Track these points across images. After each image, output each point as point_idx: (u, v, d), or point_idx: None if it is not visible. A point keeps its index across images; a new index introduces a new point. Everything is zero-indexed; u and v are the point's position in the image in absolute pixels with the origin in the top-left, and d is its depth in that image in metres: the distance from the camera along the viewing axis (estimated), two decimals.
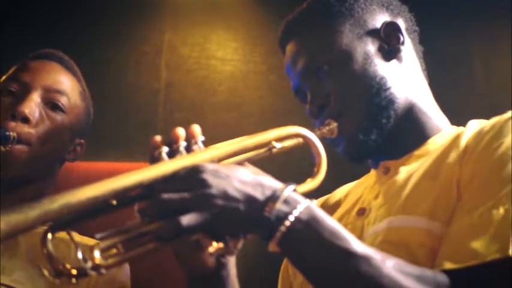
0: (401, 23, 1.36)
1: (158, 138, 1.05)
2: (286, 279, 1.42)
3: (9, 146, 1.40)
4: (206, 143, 1.06)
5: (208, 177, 0.94)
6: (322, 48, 1.31)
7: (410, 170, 1.22)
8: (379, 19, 1.34)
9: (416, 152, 1.27)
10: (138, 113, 3.25)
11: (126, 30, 3.34)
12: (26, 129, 1.45)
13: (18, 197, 1.47)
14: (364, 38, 1.31)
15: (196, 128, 1.08)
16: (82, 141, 1.66)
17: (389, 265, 0.90)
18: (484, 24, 3.00)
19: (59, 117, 1.53)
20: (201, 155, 1.03)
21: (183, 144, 1.06)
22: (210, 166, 0.97)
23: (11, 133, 1.40)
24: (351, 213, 1.28)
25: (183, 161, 1.00)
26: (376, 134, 1.26)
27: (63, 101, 1.54)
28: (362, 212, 1.24)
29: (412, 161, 1.26)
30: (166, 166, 0.99)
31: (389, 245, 1.02)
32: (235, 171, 0.97)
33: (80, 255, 0.91)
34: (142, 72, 3.30)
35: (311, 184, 1.13)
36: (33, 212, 0.88)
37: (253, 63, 3.31)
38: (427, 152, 1.25)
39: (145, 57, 3.34)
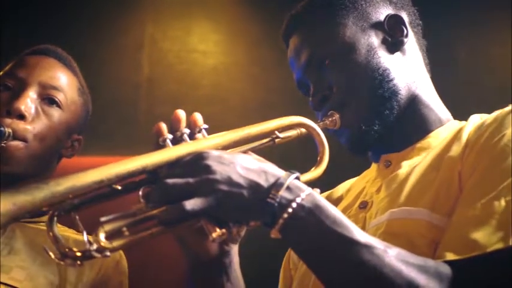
0: (404, 16, 1.37)
1: (162, 125, 1.06)
2: (287, 271, 1.43)
3: (5, 142, 1.39)
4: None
5: (212, 163, 0.95)
6: (325, 40, 1.33)
7: (412, 163, 1.24)
8: (383, 12, 1.36)
9: (418, 145, 1.28)
10: (120, 107, 3.23)
11: (106, 23, 3.32)
12: (21, 125, 1.44)
13: None
14: (367, 31, 1.32)
15: (199, 116, 1.10)
16: (80, 137, 1.65)
17: (391, 254, 0.91)
18: (468, 11, 3.04)
19: (55, 113, 1.52)
20: (205, 142, 1.04)
21: (186, 131, 1.07)
22: (214, 152, 0.98)
23: (6, 129, 1.39)
24: (353, 207, 1.29)
25: (187, 148, 1.02)
26: (379, 125, 1.27)
27: (59, 97, 1.53)
28: (364, 206, 1.25)
29: (414, 154, 1.27)
30: (171, 152, 1.01)
31: (390, 236, 1.02)
32: (239, 158, 0.98)
33: (85, 237, 0.91)
34: (123, 67, 3.29)
35: (314, 173, 1.15)
36: (40, 193, 0.88)
37: (236, 55, 3.33)
38: (428, 145, 1.27)
39: (126, 51, 3.33)
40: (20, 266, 1.40)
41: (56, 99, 1.52)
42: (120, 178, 0.96)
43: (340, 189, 1.45)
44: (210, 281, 1.15)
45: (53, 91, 1.52)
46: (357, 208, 1.27)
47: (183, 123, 1.07)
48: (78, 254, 0.91)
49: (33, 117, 1.47)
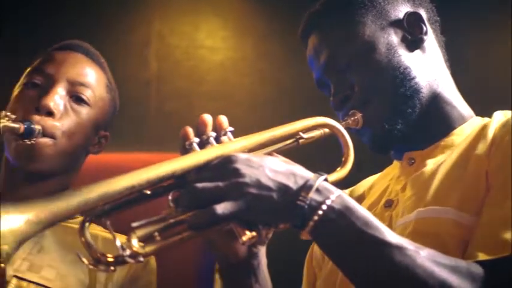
0: (423, 13, 1.37)
1: (189, 129, 1.07)
2: (311, 269, 1.43)
3: (34, 139, 1.38)
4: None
5: (241, 166, 0.95)
6: (345, 40, 1.32)
7: (437, 161, 1.24)
8: (401, 10, 1.35)
9: (443, 143, 1.28)
10: (129, 104, 3.22)
11: (113, 20, 3.32)
12: (50, 122, 1.43)
13: (42, 190, 1.46)
14: (387, 29, 1.32)
15: (224, 119, 1.10)
16: (107, 133, 1.64)
17: (423, 255, 0.91)
18: (468, 11, 3.04)
19: (83, 110, 1.51)
20: (232, 145, 1.05)
21: (212, 134, 1.08)
22: (242, 156, 0.98)
23: (36, 126, 1.38)
24: (378, 205, 1.29)
25: (215, 151, 1.02)
26: (402, 124, 1.27)
27: (87, 94, 1.52)
28: (389, 204, 1.25)
29: (438, 152, 1.27)
30: (199, 156, 1.01)
31: (418, 235, 1.02)
32: (267, 161, 0.98)
33: (118, 243, 0.91)
34: (131, 63, 3.29)
35: (339, 174, 1.16)
36: (74, 200, 0.89)
37: (243, 51, 3.33)
38: (452, 143, 1.27)
39: (133, 48, 3.33)
40: (51, 265, 1.40)
41: (84, 97, 1.51)
42: (151, 183, 0.96)
43: (361, 187, 1.46)
44: (239, 282, 1.16)
45: (81, 88, 1.51)
46: (382, 207, 1.27)
47: (210, 127, 1.08)
48: (111, 259, 0.92)
49: (61, 114, 1.46)
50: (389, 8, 1.35)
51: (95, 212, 0.96)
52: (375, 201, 1.32)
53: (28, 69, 1.55)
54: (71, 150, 1.49)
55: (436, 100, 1.31)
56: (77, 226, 1.55)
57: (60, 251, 1.43)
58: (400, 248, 0.92)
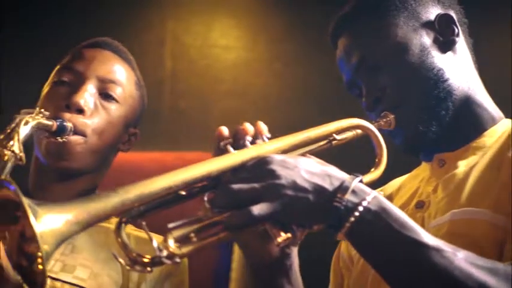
0: (453, 14, 1.37)
1: (224, 130, 1.06)
2: (338, 271, 1.43)
3: (66, 137, 1.37)
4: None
5: (276, 167, 0.95)
6: (377, 41, 1.33)
7: (469, 163, 1.24)
8: (432, 11, 1.36)
9: (474, 144, 1.28)
10: None
11: (128, 19, 3.31)
12: (81, 120, 1.43)
13: (72, 189, 1.46)
14: (419, 30, 1.32)
15: (263, 126, 1.10)
16: (136, 130, 1.64)
17: (460, 257, 0.91)
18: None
19: (113, 107, 1.50)
20: (267, 147, 1.05)
21: (248, 138, 1.08)
22: (278, 157, 0.98)
23: (68, 124, 1.37)
24: (409, 207, 1.29)
25: (250, 152, 1.02)
26: (435, 126, 1.27)
27: (117, 91, 1.51)
28: (421, 205, 1.25)
29: (469, 153, 1.27)
30: (234, 157, 1.01)
31: (453, 237, 1.02)
32: (302, 162, 0.98)
33: (155, 244, 0.91)
34: (146, 62, 3.26)
35: (373, 175, 1.16)
36: (111, 201, 0.89)
37: (257, 51, 3.32)
38: (484, 145, 1.27)
39: (148, 47, 3.32)
40: (83, 264, 1.40)
41: (114, 94, 1.51)
42: (187, 184, 0.96)
43: (389, 187, 1.45)
44: (271, 283, 1.16)
45: (111, 85, 1.50)
46: (413, 208, 1.27)
47: (250, 135, 1.08)
48: (148, 260, 0.92)
49: (92, 111, 1.46)
50: (420, 9, 1.35)
51: (131, 213, 0.96)
52: (405, 202, 1.32)
53: (57, 67, 1.55)
54: (102, 148, 1.48)
55: (467, 102, 1.31)
56: (108, 225, 1.56)
57: (93, 250, 1.44)
58: (437, 250, 0.91)
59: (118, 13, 3.27)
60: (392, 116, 1.28)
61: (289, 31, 3.30)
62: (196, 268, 1.71)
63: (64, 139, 1.37)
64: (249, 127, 1.07)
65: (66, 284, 1.34)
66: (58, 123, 1.34)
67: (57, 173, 1.44)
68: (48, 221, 0.81)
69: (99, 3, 3.26)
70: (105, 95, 1.50)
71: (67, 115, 1.40)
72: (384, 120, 1.27)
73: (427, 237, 0.93)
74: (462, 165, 1.24)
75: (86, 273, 1.39)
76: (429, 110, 1.28)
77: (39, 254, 0.79)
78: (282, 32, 3.31)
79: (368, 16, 1.36)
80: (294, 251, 1.16)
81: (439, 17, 1.34)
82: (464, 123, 1.30)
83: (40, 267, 0.86)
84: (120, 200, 0.89)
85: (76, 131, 1.41)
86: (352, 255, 1.37)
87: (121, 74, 1.55)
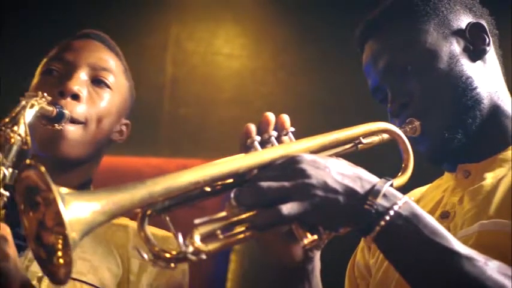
0: (484, 24, 1.35)
1: (251, 126, 1.03)
2: (353, 279, 1.41)
3: (63, 124, 1.34)
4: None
5: (307, 167, 0.93)
6: (406, 46, 1.31)
7: (496, 175, 1.22)
8: (464, 19, 1.34)
9: (500, 156, 1.26)
10: (143, 107, 3.18)
11: (131, 22, 3.28)
12: (77, 107, 1.39)
13: (67, 181, 1.37)
14: (449, 38, 1.31)
15: (287, 118, 1.08)
16: (127, 121, 1.60)
17: (492, 267, 0.89)
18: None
19: (106, 95, 1.47)
20: (296, 146, 1.02)
21: (274, 134, 1.05)
22: (308, 156, 0.96)
23: (66, 111, 1.34)
24: (433, 216, 1.27)
25: (279, 151, 0.99)
26: (461, 134, 1.26)
27: (110, 78, 1.49)
28: (446, 216, 1.23)
29: (496, 165, 1.25)
30: (263, 155, 0.98)
31: (481, 248, 0.97)
32: (333, 163, 0.96)
33: (180, 239, 0.87)
34: (146, 67, 3.24)
35: (400, 180, 1.14)
36: (138, 192, 0.85)
37: (261, 59, 3.29)
38: (510, 158, 1.25)
39: (150, 51, 3.29)
40: (83, 258, 1.36)
41: (107, 81, 1.48)
42: (214, 180, 0.93)
43: (411, 196, 1.42)
44: (292, 287, 1.12)
45: (103, 72, 1.48)
46: (438, 218, 1.24)
47: (272, 126, 1.05)
48: (172, 256, 0.88)
49: (86, 98, 1.43)
50: (451, 17, 1.34)
51: (156, 207, 0.92)
52: (429, 212, 1.28)
53: (44, 60, 1.52)
54: (98, 136, 1.46)
55: (495, 112, 1.30)
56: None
57: (91, 243, 1.40)
58: (469, 259, 0.90)
59: (120, 15, 3.24)
60: (418, 123, 1.26)
61: (294, 40, 3.29)
62: (191, 277, 1.67)
63: (61, 126, 1.34)
64: (271, 116, 1.06)
65: None
66: (58, 110, 1.30)
67: (54, 163, 1.37)
68: (75, 209, 0.78)
69: (101, 5, 3.22)
70: (97, 81, 1.47)
71: (62, 102, 1.36)
72: (410, 126, 1.25)
73: (458, 246, 0.91)
74: (489, 177, 1.22)
75: (85, 266, 1.35)
76: (456, 118, 1.26)
77: (69, 241, 0.74)
78: (287, 41, 3.29)
79: (398, 21, 1.34)
80: (317, 255, 1.13)
81: (471, 25, 1.33)
82: (490, 134, 1.28)
83: (63, 259, 0.82)
84: (147, 191, 0.85)
85: (73, 119, 1.38)
86: (370, 264, 1.35)
87: (111, 62, 1.52)
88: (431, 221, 0.94)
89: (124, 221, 1.48)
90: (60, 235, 0.83)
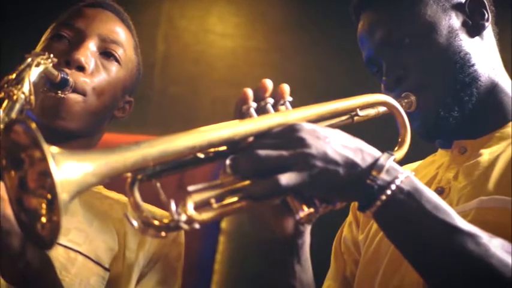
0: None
1: (249, 92, 1.00)
2: (339, 255, 1.39)
3: (66, 93, 1.30)
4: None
5: (307, 136, 0.89)
6: (404, 18, 1.28)
7: (493, 152, 1.20)
8: None
9: (498, 134, 1.24)
10: None
11: None
12: (81, 77, 1.35)
13: None
14: (448, 11, 1.28)
15: (287, 88, 1.05)
16: (131, 99, 1.57)
17: (496, 244, 0.87)
18: None
19: (114, 68, 1.43)
20: (293, 114, 0.98)
21: (270, 101, 1.02)
22: (308, 125, 0.92)
23: (70, 78, 1.30)
24: None
25: (276, 118, 0.96)
26: (457, 111, 1.23)
27: (119, 52, 1.45)
28: (441, 192, 1.20)
29: (493, 142, 1.23)
30: (261, 122, 0.95)
31: (479, 224, 0.95)
32: (333, 133, 0.93)
33: (173, 206, 0.84)
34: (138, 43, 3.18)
35: (397, 154, 1.11)
36: (132, 154, 0.82)
37: (255, 40, 3.23)
38: (508, 135, 1.23)
39: (141, 28, 3.22)
40: (78, 228, 1.33)
41: (116, 54, 1.44)
42: (211, 145, 0.90)
43: None
44: (280, 260, 1.11)
45: (113, 45, 1.44)
46: None
47: (269, 93, 1.02)
48: (164, 224, 0.85)
49: (92, 70, 1.38)
50: None
51: (146, 172, 0.88)
52: None
53: (54, 24, 1.47)
54: (100, 109, 1.41)
55: (492, 90, 1.27)
56: (103, 191, 1.47)
57: (87, 214, 1.37)
58: (472, 236, 0.88)
59: None
60: (414, 97, 1.23)
61: (288, 21, 3.24)
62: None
63: (63, 95, 1.30)
64: (268, 83, 1.02)
65: (61, 246, 1.26)
66: (62, 76, 1.27)
67: (52, 133, 1.32)
68: (66, 169, 0.74)
69: None
70: (106, 54, 1.43)
71: (67, 71, 1.32)
72: (406, 101, 1.23)
73: (461, 222, 0.89)
74: (486, 153, 1.20)
75: (81, 237, 1.32)
76: (453, 94, 1.24)
77: (59, 202, 0.71)
78: (281, 22, 3.24)
79: None
80: (308, 229, 1.10)
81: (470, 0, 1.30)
82: (487, 112, 1.26)
83: (50, 222, 0.78)
84: (142, 154, 0.82)
85: (75, 89, 1.33)
86: (359, 240, 1.32)
87: (123, 35, 1.49)
88: (434, 196, 0.91)
89: (122, 197, 1.45)
90: (45, 198, 0.79)
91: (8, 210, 0.89)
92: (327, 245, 1.44)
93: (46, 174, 0.73)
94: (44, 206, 0.80)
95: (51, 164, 0.71)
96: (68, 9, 1.50)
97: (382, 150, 0.96)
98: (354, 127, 1.12)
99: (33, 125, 0.74)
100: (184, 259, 1.50)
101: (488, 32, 1.32)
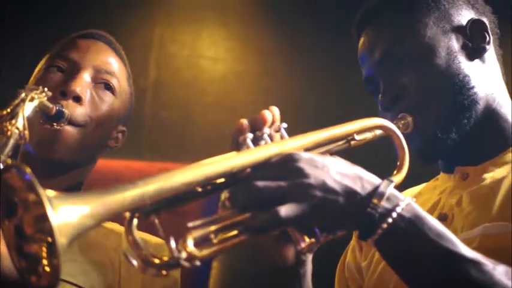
0: (486, 22, 1.32)
1: (245, 123, 0.99)
2: (343, 280, 1.37)
3: (62, 124, 1.30)
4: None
5: (305, 166, 0.88)
6: (404, 38, 1.27)
7: (495, 177, 1.19)
8: (465, 15, 1.31)
9: (499, 159, 1.23)
10: None
11: (114, 23, 3.20)
12: (78, 109, 1.35)
13: (58, 184, 1.35)
14: (448, 33, 1.27)
15: (276, 112, 1.04)
16: (124, 128, 1.56)
17: (501, 271, 0.86)
18: None
19: (109, 99, 1.43)
20: (290, 143, 0.97)
21: (267, 131, 1.01)
22: (305, 154, 0.91)
23: (66, 111, 1.30)
24: None
25: (273, 148, 0.94)
26: (455, 134, 1.22)
27: (113, 82, 1.45)
28: (444, 218, 1.19)
29: (495, 168, 1.22)
30: (258, 153, 0.93)
31: (485, 251, 0.94)
32: (331, 162, 0.91)
33: (173, 244, 0.83)
34: (129, 69, 3.19)
35: (395, 179, 1.08)
36: (129, 194, 0.80)
37: (246, 64, 3.25)
38: (509, 160, 1.22)
39: (133, 53, 3.22)
40: (73, 260, 1.31)
41: (111, 84, 1.44)
42: (208, 180, 0.88)
43: None
44: None
45: (107, 76, 1.44)
46: None
47: (268, 124, 1.00)
48: (164, 262, 0.83)
49: (88, 101, 1.38)
50: (453, 12, 1.30)
51: (144, 209, 0.87)
52: None
53: (48, 55, 1.47)
54: (95, 140, 1.41)
55: (491, 114, 1.26)
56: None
57: (82, 245, 1.35)
58: (476, 263, 0.86)
59: (103, 16, 3.17)
60: (411, 119, 1.22)
61: (280, 45, 3.25)
62: None
63: (59, 127, 1.30)
64: (267, 114, 1.01)
65: None
66: (57, 108, 1.27)
67: (47, 164, 1.34)
68: (63, 213, 0.72)
69: (85, 5, 3.17)
70: (102, 84, 1.43)
71: (64, 102, 1.32)
72: (402, 122, 1.21)
73: (465, 249, 0.88)
74: (488, 179, 1.20)
75: (76, 268, 1.30)
76: (450, 116, 1.23)
77: (57, 247, 0.69)
78: (272, 47, 3.25)
79: (398, 11, 1.31)
80: (309, 258, 1.09)
81: (472, 22, 1.29)
82: (488, 137, 1.25)
83: (50, 266, 0.77)
84: (138, 193, 0.80)
85: (71, 121, 1.34)
86: (362, 266, 1.31)
87: (116, 66, 1.49)
88: (436, 223, 0.90)
89: (117, 226, 1.43)
90: (44, 242, 0.78)
91: (8, 262, 0.88)
92: (329, 270, 1.43)
93: (42, 218, 0.71)
94: (44, 249, 0.79)
95: (48, 209, 0.70)
96: (59, 40, 1.51)
97: (382, 173, 0.95)
98: (352, 151, 1.12)
99: (28, 170, 0.72)
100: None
101: (490, 54, 1.31)
